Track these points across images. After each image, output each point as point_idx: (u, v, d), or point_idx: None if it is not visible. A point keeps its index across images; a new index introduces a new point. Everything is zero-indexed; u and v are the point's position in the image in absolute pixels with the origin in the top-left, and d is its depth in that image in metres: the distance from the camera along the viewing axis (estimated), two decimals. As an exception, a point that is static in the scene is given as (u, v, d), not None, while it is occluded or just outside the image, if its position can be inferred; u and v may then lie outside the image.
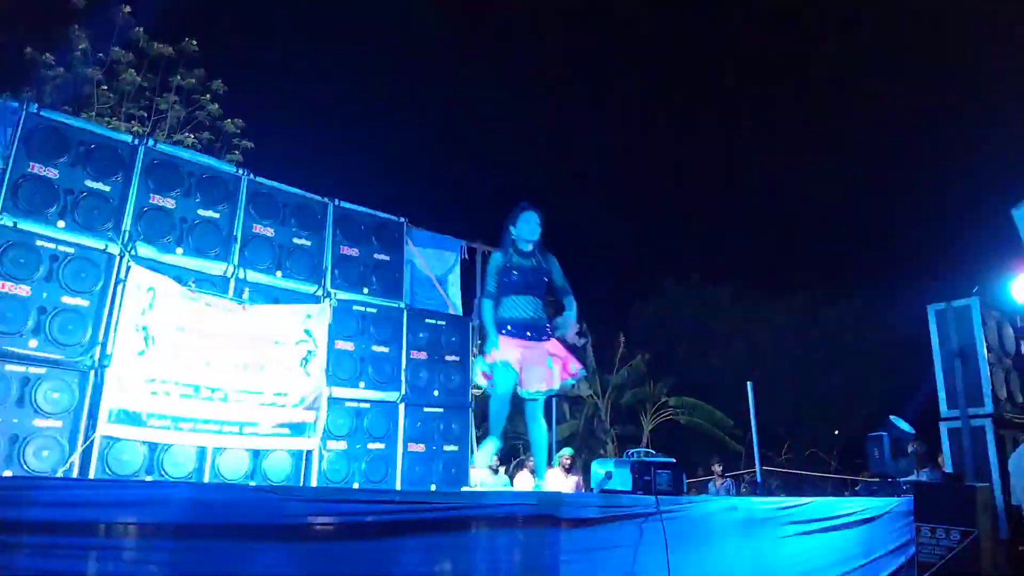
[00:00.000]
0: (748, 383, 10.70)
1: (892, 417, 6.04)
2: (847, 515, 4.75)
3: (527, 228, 4.88)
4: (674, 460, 4.08)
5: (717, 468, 13.02)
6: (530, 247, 4.90)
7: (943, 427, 7.03)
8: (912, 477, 6.18)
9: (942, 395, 7.01)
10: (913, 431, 6.15)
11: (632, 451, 4.30)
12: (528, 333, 4.74)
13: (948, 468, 6.75)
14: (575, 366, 4.90)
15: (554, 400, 16.17)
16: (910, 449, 5.82)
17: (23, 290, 4.81)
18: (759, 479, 10.69)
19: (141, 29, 11.80)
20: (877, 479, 6.06)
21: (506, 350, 4.63)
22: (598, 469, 4.27)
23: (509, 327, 4.71)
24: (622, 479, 3.96)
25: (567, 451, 10.59)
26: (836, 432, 23.28)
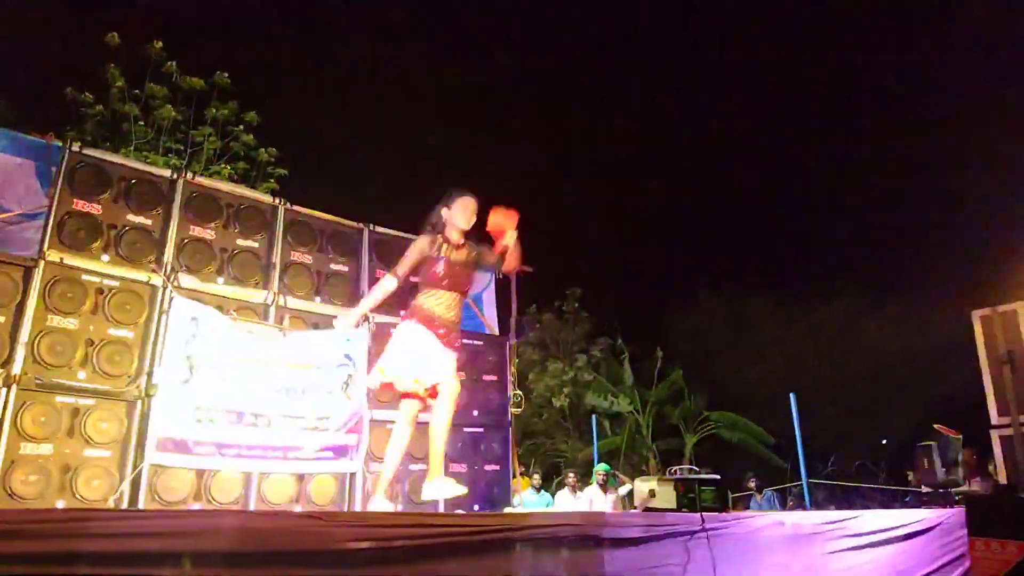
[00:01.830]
0: (791, 395, 10.55)
1: (937, 426, 5.89)
2: (897, 528, 4.64)
3: (463, 217, 4.67)
4: (718, 476, 4.04)
5: (751, 484, 12.85)
6: (461, 237, 4.71)
7: (994, 435, 6.85)
8: (963, 487, 6.04)
9: (991, 402, 6.85)
10: (960, 439, 6.00)
11: (675, 468, 4.26)
12: (441, 331, 4.59)
13: (1001, 477, 6.58)
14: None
15: (594, 416, 16.10)
16: (959, 459, 5.68)
17: (71, 323, 4.94)
18: (806, 492, 10.49)
19: (173, 63, 12.08)
20: (927, 490, 5.92)
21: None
22: (641, 486, 4.24)
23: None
24: (666, 497, 3.93)
25: (602, 467, 10.53)
26: (884, 442, 22.79)
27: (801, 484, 10.69)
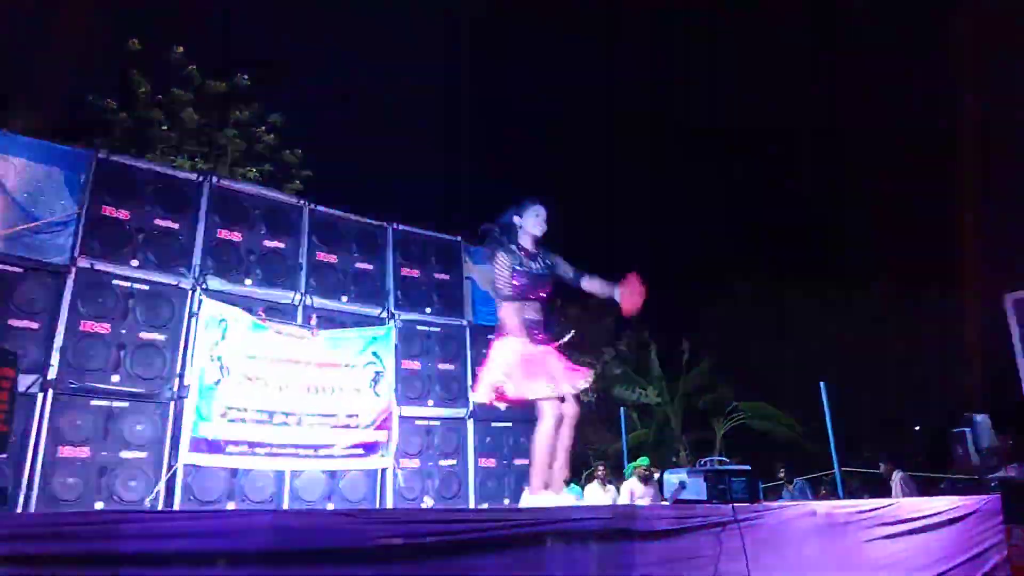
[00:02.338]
0: (821, 383, 10.44)
1: (972, 414, 5.80)
2: (932, 516, 4.58)
3: (536, 225, 4.61)
4: (748, 467, 4.01)
5: (781, 474, 12.74)
6: (534, 246, 4.64)
7: (1030, 419, 6.74)
8: (1000, 473, 5.94)
9: (1026, 386, 6.72)
10: (992, 427, 5.90)
11: (705, 460, 4.24)
12: (537, 335, 4.49)
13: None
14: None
15: (623, 409, 16.05)
16: (994, 445, 5.58)
17: (103, 328, 5.03)
18: (838, 481, 10.38)
19: (195, 67, 12.20)
20: (963, 476, 5.84)
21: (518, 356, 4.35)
22: (671, 479, 4.22)
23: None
24: (696, 489, 3.91)
25: (643, 461, 10.46)
26: (918, 428, 22.47)
27: (834, 472, 10.58)
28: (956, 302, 21.02)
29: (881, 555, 4.22)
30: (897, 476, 10.02)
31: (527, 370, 4.29)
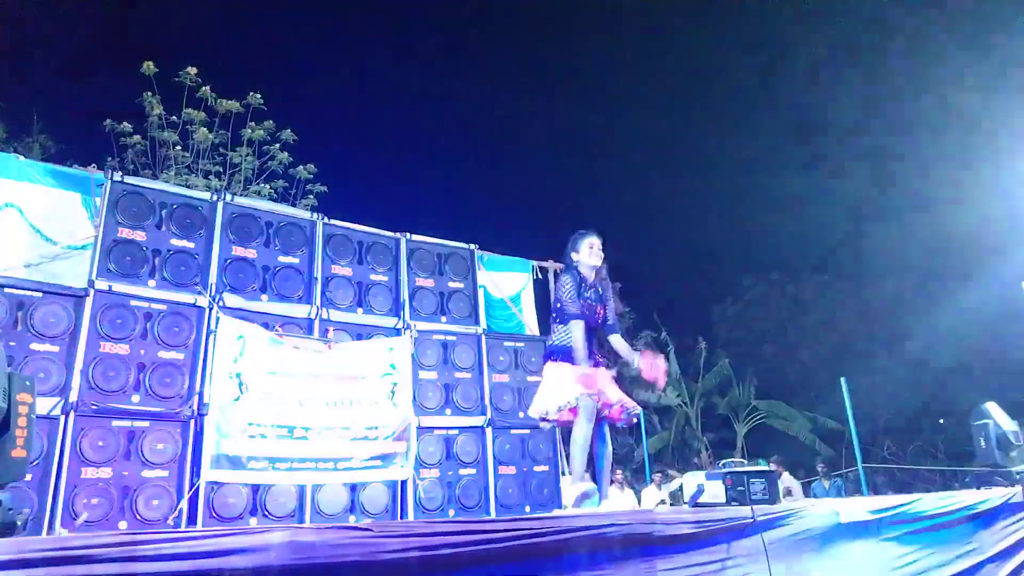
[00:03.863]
0: (842, 379, 10.38)
1: (987, 405, 5.71)
2: (957, 511, 4.53)
3: (591, 256, 4.79)
4: (769, 468, 3.99)
5: (820, 468, 12.68)
6: (592, 277, 4.82)
7: (1052, 407, 6.65)
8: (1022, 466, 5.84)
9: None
10: (1010, 420, 5.79)
11: (724, 462, 4.23)
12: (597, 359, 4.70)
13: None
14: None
15: (642, 412, 16.02)
16: (1013, 437, 5.50)
17: (122, 349, 5.10)
18: (862, 478, 10.31)
19: (208, 88, 12.31)
20: (988, 469, 5.76)
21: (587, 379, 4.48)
22: (690, 481, 4.21)
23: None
24: (715, 491, 3.90)
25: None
26: (941, 421, 22.23)
27: (857, 469, 10.51)
28: (972, 293, 20.76)
29: (904, 552, 4.18)
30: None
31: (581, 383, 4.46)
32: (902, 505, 4.33)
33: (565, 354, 4.60)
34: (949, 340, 21.05)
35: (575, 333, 4.58)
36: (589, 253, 4.80)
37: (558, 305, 4.77)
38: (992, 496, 4.85)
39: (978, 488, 5.25)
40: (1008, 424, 5.63)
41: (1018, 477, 5.20)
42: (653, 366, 4.65)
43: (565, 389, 4.49)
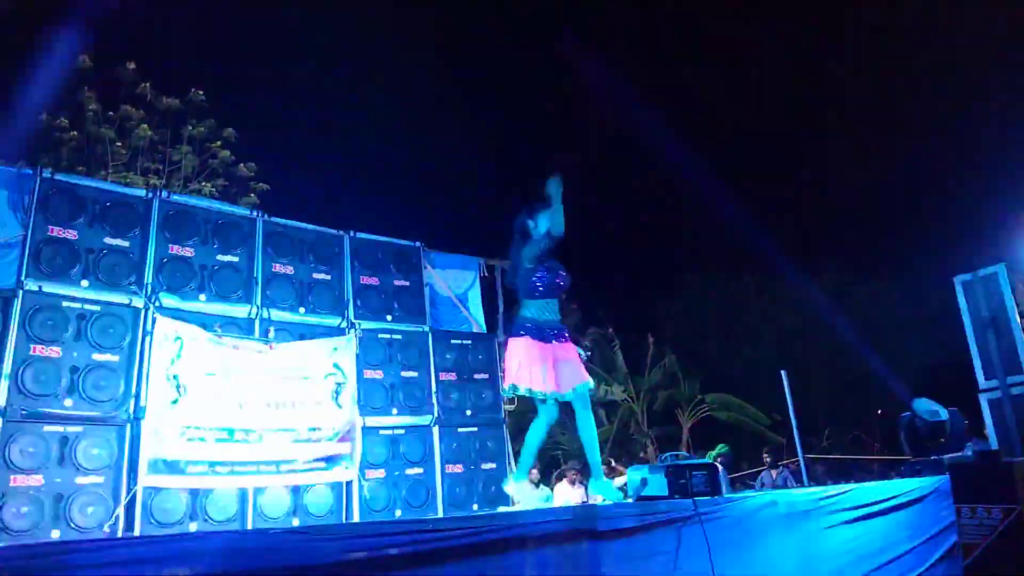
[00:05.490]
0: (782, 372, 10.58)
1: (915, 400, 5.90)
2: (890, 499, 4.67)
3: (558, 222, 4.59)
4: (708, 461, 4.05)
5: (767, 458, 12.93)
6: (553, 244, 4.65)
7: (983, 399, 6.86)
8: (959, 454, 6.05)
9: (978, 366, 6.85)
10: (936, 411, 5.97)
11: (665, 455, 4.28)
12: (555, 334, 4.62)
13: (993, 442, 6.59)
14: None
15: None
16: (943, 429, 5.69)
17: (54, 351, 4.92)
18: (803, 468, 10.54)
19: (148, 84, 12.03)
20: (920, 459, 5.95)
21: (538, 355, 4.48)
22: (633, 475, 4.25)
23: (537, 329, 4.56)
24: (658, 484, 3.94)
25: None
26: (879, 412, 22.90)
27: (798, 460, 10.73)
28: (909, 287, 21.46)
29: (842, 540, 4.29)
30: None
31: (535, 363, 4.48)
32: (840, 494, 4.45)
33: (528, 329, 4.55)
34: (885, 334, 21.70)
35: (528, 312, 4.59)
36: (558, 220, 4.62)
37: (521, 282, 4.67)
38: (922, 485, 5.02)
39: (912, 476, 5.42)
40: (937, 416, 5.82)
41: (947, 465, 5.38)
42: None
43: (529, 375, 4.48)
